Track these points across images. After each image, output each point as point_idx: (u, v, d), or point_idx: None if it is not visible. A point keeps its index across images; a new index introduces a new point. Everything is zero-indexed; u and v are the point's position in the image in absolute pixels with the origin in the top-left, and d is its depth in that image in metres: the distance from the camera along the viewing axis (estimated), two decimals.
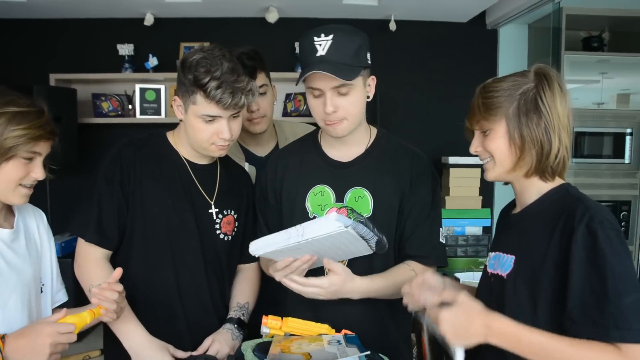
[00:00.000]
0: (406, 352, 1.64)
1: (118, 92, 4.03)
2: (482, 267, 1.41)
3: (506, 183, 1.32)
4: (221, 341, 1.54)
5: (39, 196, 3.80)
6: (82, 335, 3.54)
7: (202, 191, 1.63)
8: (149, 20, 3.88)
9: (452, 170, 3.80)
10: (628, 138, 4.19)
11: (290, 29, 4.02)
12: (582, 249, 1.06)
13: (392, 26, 3.93)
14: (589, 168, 4.16)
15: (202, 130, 1.52)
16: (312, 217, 1.59)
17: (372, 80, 1.56)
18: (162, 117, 3.98)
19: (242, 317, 1.63)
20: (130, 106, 4.03)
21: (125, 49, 3.96)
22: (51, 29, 4.03)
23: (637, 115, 4.16)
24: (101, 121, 3.97)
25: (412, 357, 1.67)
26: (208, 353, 1.49)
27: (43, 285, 1.46)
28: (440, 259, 1.60)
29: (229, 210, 1.67)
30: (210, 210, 1.63)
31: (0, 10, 3.79)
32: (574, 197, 1.18)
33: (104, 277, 1.50)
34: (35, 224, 1.44)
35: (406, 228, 1.58)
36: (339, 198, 1.59)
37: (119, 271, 1.37)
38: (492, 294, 1.25)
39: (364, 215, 1.48)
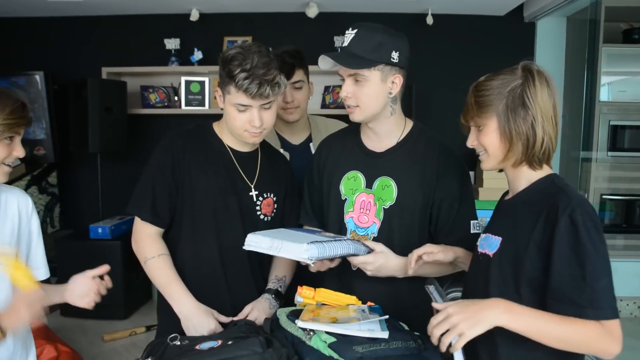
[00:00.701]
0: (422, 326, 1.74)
1: (165, 84, 4.24)
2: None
3: (500, 170, 1.41)
4: (259, 309, 1.68)
5: (91, 182, 4.07)
6: (129, 313, 3.78)
7: (244, 176, 1.76)
8: (194, 16, 4.06)
9: None
10: None
11: (329, 24, 4.13)
12: (565, 237, 1.15)
13: (430, 20, 4.00)
14: (633, 161, 4.14)
15: (236, 119, 1.65)
16: (344, 199, 1.73)
17: (396, 78, 1.61)
18: (205, 108, 4.17)
19: (279, 289, 1.77)
20: (176, 98, 4.23)
21: (172, 43, 4.17)
22: (103, 25, 4.27)
23: None
24: (149, 112, 4.19)
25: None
26: (248, 319, 1.64)
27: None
28: (472, 249, 1.70)
29: (268, 194, 1.80)
30: (250, 193, 1.76)
31: (58, 9, 4.06)
32: (558, 187, 1.26)
33: (157, 251, 1.69)
34: (17, 206, 1.52)
35: (439, 220, 1.68)
36: (369, 184, 1.71)
37: (105, 268, 1.54)
38: (479, 271, 1.37)
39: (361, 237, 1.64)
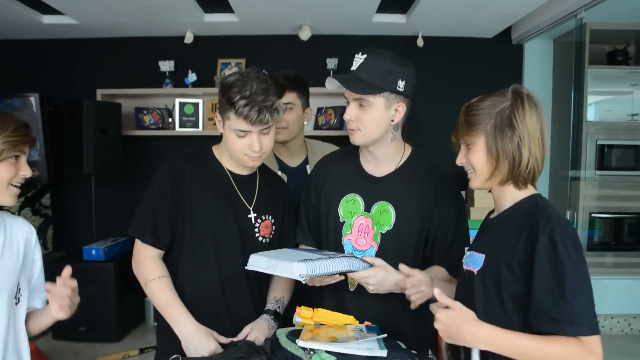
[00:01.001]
0: (422, 345, 1.76)
1: (159, 106, 4.28)
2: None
3: (490, 190, 1.45)
4: (259, 330, 1.70)
5: (84, 204, 4.08)
6: (122, 335, 3.75)
7: (242, 198, 1.80)
8: (188, 39, 4.12)
9: None
10: None
11: (322, 46, 4.22)
12: (544, 255, 1.20)
13: (420, 42, 4.08)
14: (622, 180, 4.21)
15: (236, 143, 1.69)
16: (342, 221, 1.76)
17: (400, 107, 1.65)
18: (199, 130, 4.20)
19: (277, 310, 1.79)
20: (170, 119, 4.27)
21: (166, 65, 4.22)
22: (98, 48, 4.32)
23: None
24: (143, 133, 4.21)
25: (428, 348, 1.79)
26: (247, 339, 1.65)
27: (20, 294, 1.54)
28: (454, 275, 1.72)
29: (266, 216, 1.83)
30: (249, 215, 1.80)
31: (55, 32, 4.10)
32: (540, 207, 1.31)
33: (158, 273, 1.72)
34: (23, 237, 1.53)
35: (434, 245, 1.74)
36: (367, 208, 1.74)
37: (68, 270, 1.48)
38: (465, 287, 1.41)
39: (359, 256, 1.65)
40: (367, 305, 1.68)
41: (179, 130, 4.18)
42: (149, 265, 1.73)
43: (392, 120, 1.67)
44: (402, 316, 1.69)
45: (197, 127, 4.21)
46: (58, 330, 3.73)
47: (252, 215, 1.80)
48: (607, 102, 4.34)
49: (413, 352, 1.39)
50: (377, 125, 1.65)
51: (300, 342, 1.32)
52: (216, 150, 1.84)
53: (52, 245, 4.28)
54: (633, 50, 4.21)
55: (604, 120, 4.22)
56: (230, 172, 1.81)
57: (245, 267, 1.55)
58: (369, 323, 1.54)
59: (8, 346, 1.45)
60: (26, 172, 1.41)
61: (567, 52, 4.09)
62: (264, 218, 1.83)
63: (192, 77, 4.21)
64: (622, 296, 4.08)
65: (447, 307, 1.28)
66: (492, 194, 1.44)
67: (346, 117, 1.66)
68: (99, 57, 4.32)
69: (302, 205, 1.90)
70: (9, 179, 1.36)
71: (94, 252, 3.71)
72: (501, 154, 1.32)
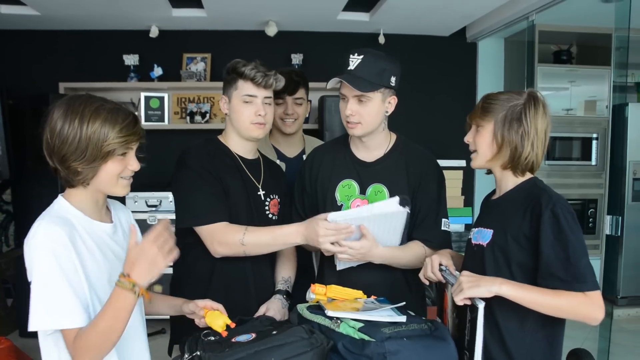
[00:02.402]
0: (420, 311, 1.94)
1: (124, 100, 4.21)
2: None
3: (488, 172, 1.66)
4: (274, 308, 1.81)
5: (49, 199, 3.98)
6: None
7: (252, 178, 1.94)
8: (154, 32, 4.12)
9: None
10: (594, 142, 4.62)
11: (288, 42, 4.32)
12: (549, 227, 1.39)
13: (381, 39, 4.27)
14: (560, 169, 4.60)
15: (243, 112, 1.85)
16: (339, 205, 1.90)
17: (392, 99, 1.84)
18: (165, 124, 4.21)
19: (288, 289, 1.93)
20: (135, 113, 4.22)
21: (130, 59, 4.20)
22: (61, 40, 4.24)
23: (602, 122, 4.59)
24: None
25: (425, 313, 1.96)
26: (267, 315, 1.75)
27: None
28: (443, 243, 1.90)
29: (274, 195, 1.98)
30: (259, 193, 1.94)
31: (15, 22, 4.00)
32: (540, 188, 1.51)
33: (240, 228, 1.76)
34: (125, 219, 1.56)
35: (417, 218, 1.90)
36: (362, 191, 1.90)
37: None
38: (475, 260, 1.59)
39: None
40: (369, 275, 1.82)
41: (144, 124, 4.00)
42: (228, 231, 1.77)
43: (387, 112, 1.85)
44: (402, 288, 1.86)
45: (163, 121, 4.22)
46: (25, 328, 3.66)
47: (261, 192, 1.94)
48: (547, 97, 4.67)
49: (423, 318, 1.54)
50: (375, 117, 1.81)
51: (329, 312, 1.44)
52: (222, 138, 1.97)
53: (14, 242, 4.17)
54: (575, 50, 4.57)
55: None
56: (239, 156, 1.93)
57: (331, 220, 1.65)
58: (375, 297, 1.68)
59: None
60: (134, 166, 1.37)
61: (517, 51, 4.40)
62: (272, 197, 1.97)
63: (157, 71, 4.20)
64: None
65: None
66: (494, 175, 1.63)
67: (347, 112, 1.79)
68: (60, 49, 4.24)
69: (297, 193, 2.02)
70: (117, 174, 1.35)
71: None
72: (505, 142, 1.51)
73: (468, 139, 1.62)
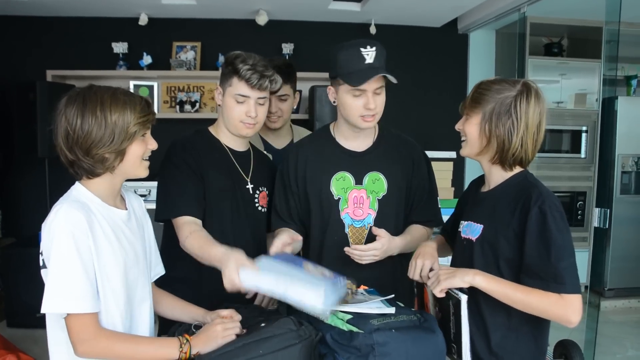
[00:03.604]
0: (407, 298, 1.96)
1: None
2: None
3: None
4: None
5: (38, 188, 3.95)
6: None
7: (241, 171, 1.93)
8: (143, 20, 4.07)
9: None
10: (584, 135, 4.64)
11: (279, 31, 4.28)
12: (534, 224, 1.37)
13: (373, 30, 4.24)
14: (549, 162, 4.62)
15: (234, 110, 1.82)
16: (337, 198, 1.88)
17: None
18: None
19: None
20: None
21: (119, 47, 4.14)
22: (48, 27, 4.16)
23: (592, 114, 4.62)
24: None
25: (413, 303, 1.97)
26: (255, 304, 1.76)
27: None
28: (439, 222, 2.00)
29: (262, 188, 1.98)
30: (247, 186, 1.93)
31: (1, 8, 3.92)
32: (531, 183, 1.47)
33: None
34: (138, 206, 1.60)
35: (414, 201, 1.93)
36: (358, 181, 1.88)
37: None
38: (464, 254, 1.58)
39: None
40: (358, 267, 1.79)
41: None
42: (186, 227, 1.74)
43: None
44: (389, 278, 1.87)
45: None
46: (12, 318, 3.65)
47: (250, 186, 1.93)
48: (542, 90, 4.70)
49: (412, 309, 1.55)
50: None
51: None
52: (213, 130, 1.95)
53: (1, 231, 4.13)
54: (566, 43, 4.57)
55: None
56: (229, 148, 1.92)
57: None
58: (365, 287, 1.68)
59: None
60: (153, 145, 1.44)
61: (508, 43, 4.40)
62: (260, 190, 1.96)
63: (147, 59, 4.15)
64: None
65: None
66: (482, 167, 1.61)
67: (372, 106, 1.75)
68: (48, 36, 4.17)
69: (280, 193, 1.95)
70: (141, 154, 1.41)
71: None
72: (492, 135, 1.47)
73: (458, 126, 1.60)
